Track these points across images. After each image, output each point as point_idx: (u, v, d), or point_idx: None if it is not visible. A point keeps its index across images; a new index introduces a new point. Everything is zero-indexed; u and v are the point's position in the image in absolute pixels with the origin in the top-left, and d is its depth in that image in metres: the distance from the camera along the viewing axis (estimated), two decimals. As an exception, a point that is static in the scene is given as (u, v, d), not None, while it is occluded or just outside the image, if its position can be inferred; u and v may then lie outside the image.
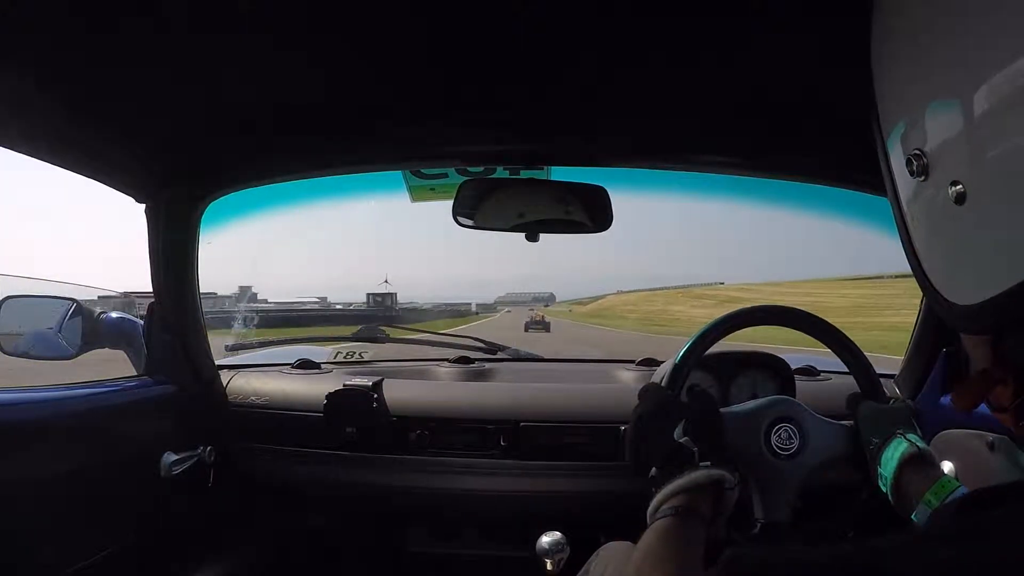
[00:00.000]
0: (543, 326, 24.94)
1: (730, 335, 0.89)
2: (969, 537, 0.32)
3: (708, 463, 0.66)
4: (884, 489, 0.72)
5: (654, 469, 0.68)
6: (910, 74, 0.40)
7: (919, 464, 0.69)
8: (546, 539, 1.05)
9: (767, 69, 0.77)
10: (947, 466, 0.92)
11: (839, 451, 0.80)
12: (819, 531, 0.81)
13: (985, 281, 0.35)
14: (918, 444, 0.71)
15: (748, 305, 0.92)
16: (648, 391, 0.80)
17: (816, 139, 0.99)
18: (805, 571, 0.34)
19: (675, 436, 0.70)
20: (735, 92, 0.85)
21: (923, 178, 0.39)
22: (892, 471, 0.70)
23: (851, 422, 0.81)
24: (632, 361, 1.45)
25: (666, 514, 0.60)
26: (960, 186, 0.35)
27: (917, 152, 0.39)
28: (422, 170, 1.17)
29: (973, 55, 0.34)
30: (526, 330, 22.47)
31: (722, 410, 0.83)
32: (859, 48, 0.46)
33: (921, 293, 0.44)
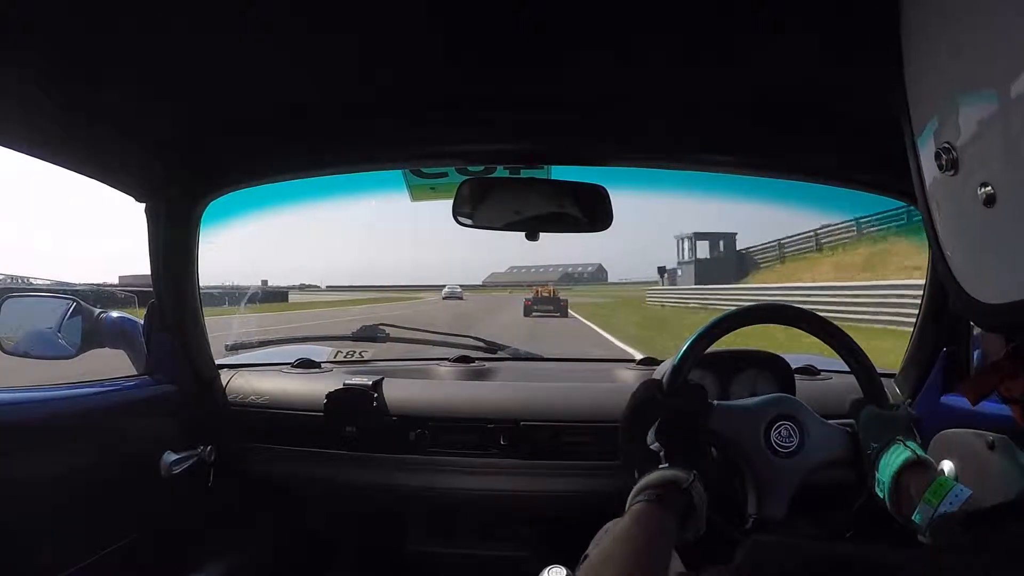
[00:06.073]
0: (554, 306, 15.79)
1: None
2: (974, 550, 0.33)
3: (667, 464, 0.72)
4: (881, 494, 0.72)
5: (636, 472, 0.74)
6: (943, 69, 0.40)
7: (917, 468, 0.70)
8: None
9: (770, 69, 0.77)
10: (947, 465, 0.92)
11: (838, 453, 0.80)
12: (813, 530, 0.81)
13: (1013, 283, 0.35)
14: (917, 452, 0.72)
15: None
16: (635, 392, 0.82)
17: (822, 139, 0.98)
18: (820, 565, 0.35)
19: (648, 439, 0.75)
20: (736, 92, 0.85)
21: (952, 172, 0.38)
22: (890, 476, 0.71)
23: (851, 424, 0.81)
24: (633, 360, 1.45)
25: (639, 500, 0.67)
26: (990, 187, 0.35)
27: (947, 146, 0.38)
28: (422, 169, 1.17)
29: (1009, 56, 0.34)
30: (526, 314, 15.06)
31: (724, 404, 0.83)
32: (867, 47, 0.45)
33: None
